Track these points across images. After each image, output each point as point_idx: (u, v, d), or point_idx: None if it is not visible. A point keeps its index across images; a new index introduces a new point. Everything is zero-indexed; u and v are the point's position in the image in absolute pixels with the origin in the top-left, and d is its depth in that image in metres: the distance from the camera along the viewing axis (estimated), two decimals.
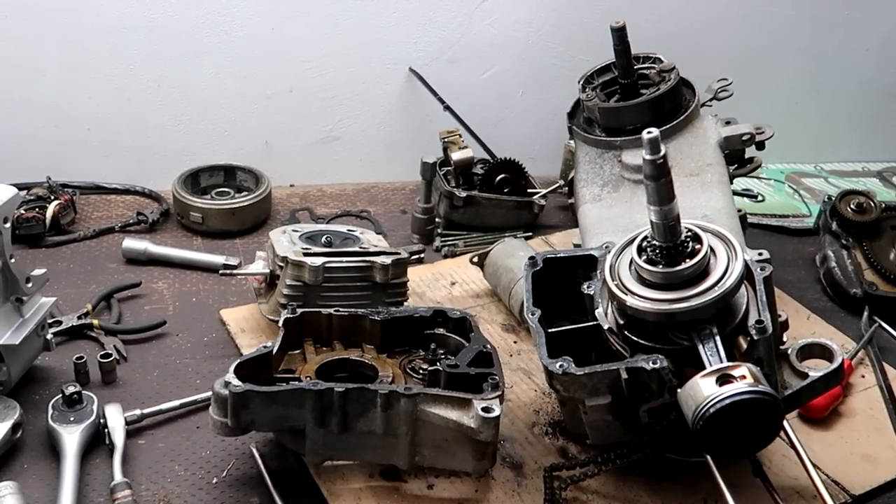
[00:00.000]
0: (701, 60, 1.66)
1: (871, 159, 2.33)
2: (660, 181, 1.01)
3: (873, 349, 1.49)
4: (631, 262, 1.09)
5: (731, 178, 1.53)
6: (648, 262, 1.06)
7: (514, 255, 1.51)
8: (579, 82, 1.58)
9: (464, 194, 1.72)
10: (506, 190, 1.78)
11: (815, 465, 1.21)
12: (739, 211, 1.50)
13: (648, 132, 0.99)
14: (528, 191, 1.81)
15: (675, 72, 1.52)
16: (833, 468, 1.23)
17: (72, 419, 1.16)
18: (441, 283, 1.60)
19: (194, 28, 1.77)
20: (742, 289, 1.09)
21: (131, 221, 1.70)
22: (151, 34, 1.75)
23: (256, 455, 1.16)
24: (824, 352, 1.16)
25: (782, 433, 1.03)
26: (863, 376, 1.44)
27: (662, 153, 1.00)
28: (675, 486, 1.17)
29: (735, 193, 2.00)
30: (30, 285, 1.20)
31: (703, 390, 0.95)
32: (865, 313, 1.58)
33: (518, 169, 1.79)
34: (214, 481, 1.13)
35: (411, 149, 1.78)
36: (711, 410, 0.93)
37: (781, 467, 1.21)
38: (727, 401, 0.93)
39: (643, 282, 1.08)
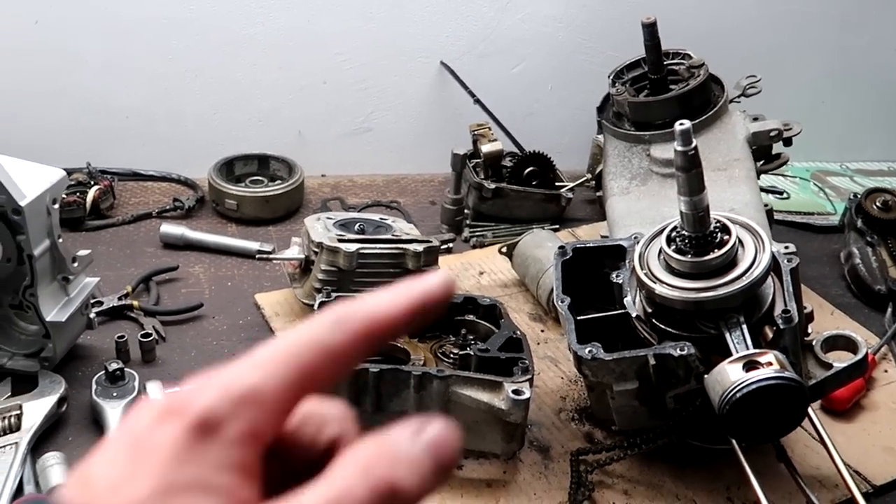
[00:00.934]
0: (729, 57, 1.68)
1: None
2: (691, 172, 1.04)
3: None
4: (660, 251, 1.12)
5: (759, 173, 1.55)
6: (677, 251, 1.09)
7: (543, 245, 1.54)
8: (609, 77, 1.61)
9: (493, 186, 1.75)
10: (534, 183, 1.81)
11: (840, 457, 1.25)
12: (766, 206, 1.52)
13: (681, 123, 1.02)
14: (556, 184, 1.84)
15: (704, 68, 1.54)
16: (855, 459, 1.25)
17: (114, 394, 1.20)
18: (470, 272, 1.63)
19: (231, 20, 1.81)
20: (769, 279, 1.11)
21: (168, 207, 1.74)
22: (190, 26, 1.80)
23: None
24: (848, 343, 1.19)
25: (807, 422, 1.06)
26: (885, 371, 1.46)
27: (694, 144, 1.03)
28: (699, 472, 1.20)
29: (761, 190, 2.03)
30: (76, 265, 1.25)
31: (730, 375, 0.98)
32: (889, 309, 1.60)
33: (546, 162, 1.82)
34: None
35: (441, 141, 1.81)
36: (738, 395, 0.96)
37: (804, 457, 1.24)
38: (753, 386, 0.95)
39: (672, 271, 1.10)
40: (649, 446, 1.13)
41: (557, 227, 1.81)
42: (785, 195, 2.08)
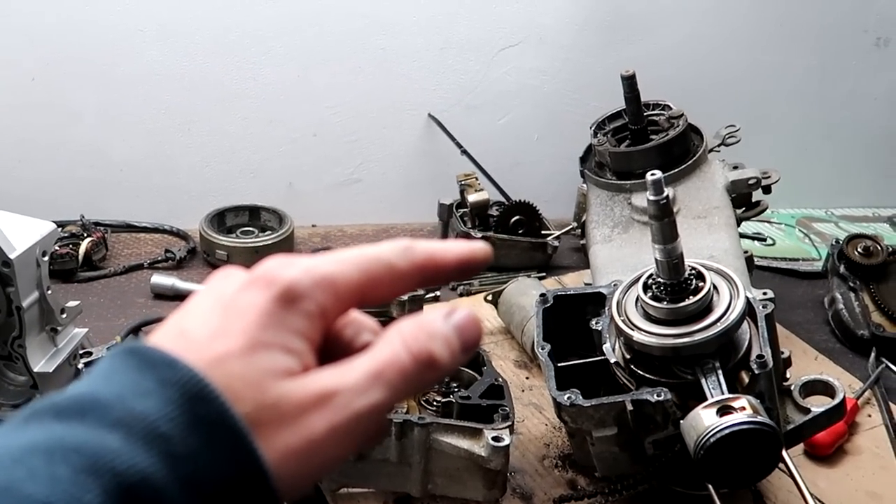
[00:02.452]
0: (712, 108, 1.73)
1: (881, 205, 2.36)
2: (663, 220, 1.07)
3: (880, 389, 1.52)
4: (637, 298, 1.14)
5: (739, 220, 1.58)
6: (654, 298, 1.11)
7: (527, 293, 1.56)
8: (591, 128, 1.64)
9: (479, 235, 1.78)
10: (520, 231, 1.84)
11: (819, 500, 1.25)
12: (746, 252, 1.54)
13: (652, 174, 1.04)
14: (542, 232, 1.87)
15: (683, 118, 1.58)
16: None
17: None
18: None
19: (223, 75, 1.85)
20: (745, 325, 1.13)
21: (159, 258, 1.77)
22: (183, 80, 1.84)
23: None
24: (826, 388, 1.20)
25: (783, 465, 1.07)
26: (869, 415, 1.47)
27: (665, 194, 1.05)
28: None
29: (746, 237, 2.06)
30: (64, 316, 1.27)
31: (703, 421, 0.99)
32: (872, 354, 1.61)
33: (532, 211, 1.85)
34: None
35: (429, 191, 1.84)
36: (712, 440, 0.97)
37: (787, 502, 1.24)
38: (727, 430, 0.97)
39: (649, 318, 1.12)
40: (630, 492, 1.14)
41: (544, 274, 1.83)
42: (770, 241, 2.11)
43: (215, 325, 0.45)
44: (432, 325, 0.49)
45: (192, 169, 1.91)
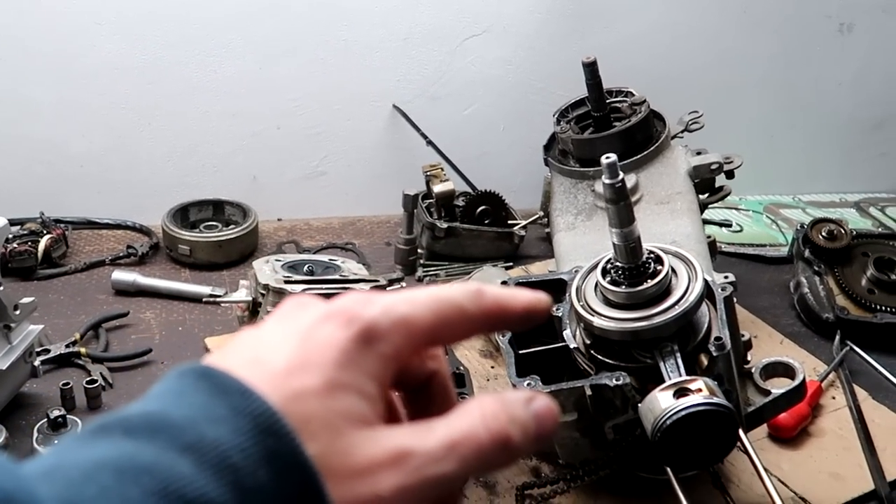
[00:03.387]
0: (678, 97, 1.72)
1: (848, 190, 2.38)
2: (619, 204, 1.06)
3: (844, 371, 1.53)
4: (596, 284, 1.14)
5: (703, 206, 1.58)
6: (612, 283, 1.11)
7: (492, 282, 1.54)
8: (554, 116, 1.64)
9: (445, 225, 1.77)
10: (486, 221, 1.83)
11: (781, 482, 1.26)
12: (709, 237, 1.54)
13: (607, 157, 1.04)
14: (509, 222, 1.86)
15: (645, 104, 1.58)
16: (801, 486, 1.26)
17: (55, 442, 1.19)
18: None
19: (183, 67, 1.83)
20: (704, 308, 1.13)
21: (121, 255, 1.75)
22: (142, 74, 1.82)
23: None
24: (787, 370, 1.20)
25: (741, 446, 1.07)
26: (833, 398, 1.47)
27: (621, 177, 1.05)
28: (644, 503, 1.20)
29: (713, 223, 2.07)
30: (17, 312, 1.24)
31: (660, 403, 0.99)
32: (837, 337, 1.62)
33: (498, 201, 1.84)
34: None
35: (395, 183, 1.83)
36: (668, 422, 0.97)
37: (750, 485, 1.24)
38: (683, 412, 0.96)
39: (608, 302, 1.12)
40: (591, 478, 1.13)
41: (511, 264, 1.83)
42: (738, 228, 2.11)
43: (292, 357, 0.44)
44: (514, 408, 0.47)
45: (154, 163, 1.89)
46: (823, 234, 1.75)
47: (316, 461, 0.41)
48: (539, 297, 0.53)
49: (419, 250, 1.79)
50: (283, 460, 0.40)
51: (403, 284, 1.71)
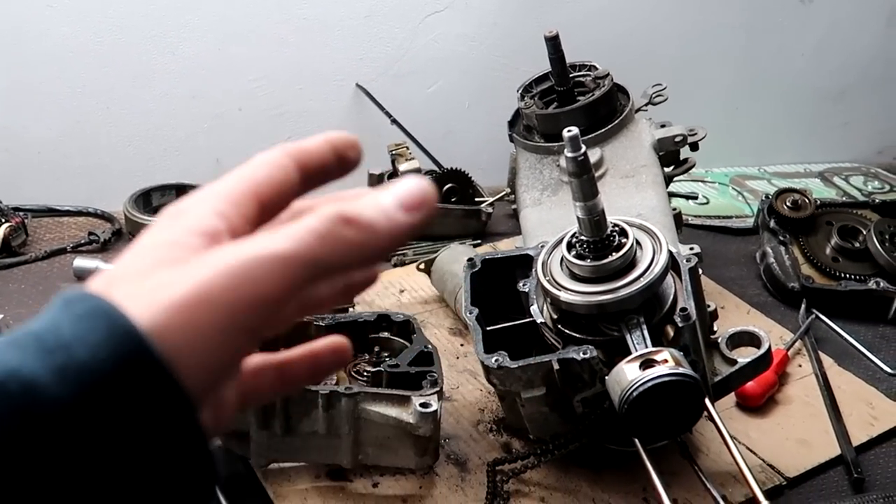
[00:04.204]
0: (641, 70, 1.72)
1: (812, 160, 2.40)
2: (582, 177, 1.06)
3: (810, 339, 1.54)
4: (562, 258, 1.13)
5: (668, 178, 1.58)
6: (577, 256, 1.11)
7: (459, 260, 1.54)
8: (518, 91, 1.63)
9: None
10: (453, 199, 1.82)
11: (749, 449, 1.27)
12: (674, 209, 1.55)
13: (568, 130, 1.03)
14: (476, 200, 1.85)
15: (609, 78, 1.57)
16: (769, 453, 1.27)
17: None
18: (390, 290, 1.63)
19: (141, 50, 1.80)
20: (669, 280, 1.13)
21: (83, 242, 1.72)
22: (99, 57, 1.78)
23: None
24: (753, 339, 1.21)
25: (709, 416, 1.07)
26: (800, 366, 1.49)
27: (583, 150, 1.04)
28: (615, 475, 1.20)
29: (679, 196, 2.07)
30: None
31: (626, 375, 0.99)
32: (803, 306, 1.64)
33: (464, 178, 1.83)
34: None
35: (361, 163, 1.81)
36: (635, 394, 0.97)
37: (719, 454, 1.25)
38: (649, 383, 0.96)
39: (574, 276, 1.12)
40: (562, 451, 1.13)
41: (479, 242, 1.82)
42: (704, 201, 2.12)
43: (127, 256, 0.48)
44: (357, 193, 0.49)
45: (114, 148, 1.86)
46: (788, 204, 1.76)
47: (112, 296, 0.42)
48: (341, 134, 0.55)
49: None
50: (83, 312, 0.41)
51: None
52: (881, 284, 1.63)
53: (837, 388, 1.42)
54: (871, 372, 1.50)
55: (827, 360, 1.50)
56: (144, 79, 1.82)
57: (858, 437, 1.32)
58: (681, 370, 0.97)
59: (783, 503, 1.13)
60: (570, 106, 1.56)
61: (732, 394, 1.32)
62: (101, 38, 1.77)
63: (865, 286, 1.64)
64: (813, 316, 1.61)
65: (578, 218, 1.09)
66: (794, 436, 1.32)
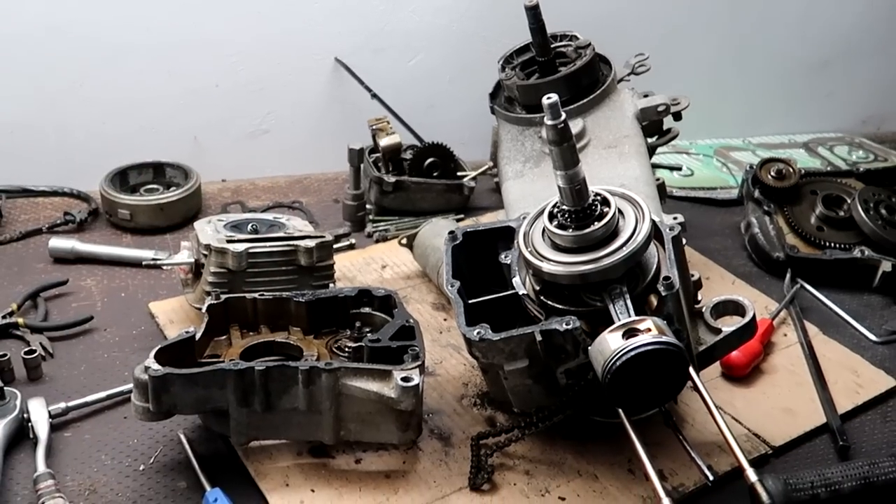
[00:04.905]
0: (623, 40, 1.69)
1: (797, 131, 2.39)
2: (562, 146, 1.04)
3: (795, 308, 1.54)
4: (544, 229, 1.12)
5: (651, 148, 1.57)
6: (559, 226, 1.09)
7: (442, 234, 1.51)
8: (499, 62, 1.61)
9: (393, 179, 1.73)
10: (435, 174, 1.80)
11: (735, 419, 1.26)
12: (658, 179, 1.53)
13: (548, 97, 1.01)
14: (458, 174, 1.84)
15: (590, 48, 1.55)
16: (755, 422, 1.27)
17: None
18: (372, 266, 1.61)
19: (114, 26, 1.76)
20: (652, 249, 1.12)
21: (59, 222, 1.69)
22: (70, 34, 1.74)
23: (184, 440, 1.16)
24: (737, 308, 1.20)
25: (694, 385, 1.06)
26: (785, 335, 1.48)
27: (563, 118, 1.02)
28: (600, 447, 1.19)
29: (664, 167, 2.06)
30: None
31: (610, 345, 0.97)
32: (788, 275, 1.63)
33: (446, 153, 1.81)
34: (142, 468, 1.13)
35: (342, 139, 1.78)
36: (618, 363, 0.96)
37: (704, 424, 1.24)
38: (633, 352, 0.95)
39: (556, 247, 1.10)
40: (546, 424, 1.12)
41: (462, 216, 1.80)
42: (689, 172, 2.11)
43: None
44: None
45: (89, 127, 1.82)
46: (772, 173, 1.75)
47: None
48: None
49: (368, 206, 1.76)
50: None
51: (352, 240, 1.69)
52: (866, 253, 1.63)
53: (823, 357, 1.41)
54: (857, 340, 1.49)
55: (812, 329, 1.49)
56: (118, 55, 1.78)
57: (844, 405, 1.32)
58: (664, 339, 0.96)
59: (769, 472, 1.12)
60: (552, 76, 1.53)
61: (717, 364, 1.32)
62: (72, 15, 1.73)
63: (850, 255, 1.63)
64: (798, 285, 1.60)
65: (560, 187, 1.07)
66: (780, 405, 1.31)
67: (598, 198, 1.09)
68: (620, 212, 1.09)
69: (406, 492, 1.11)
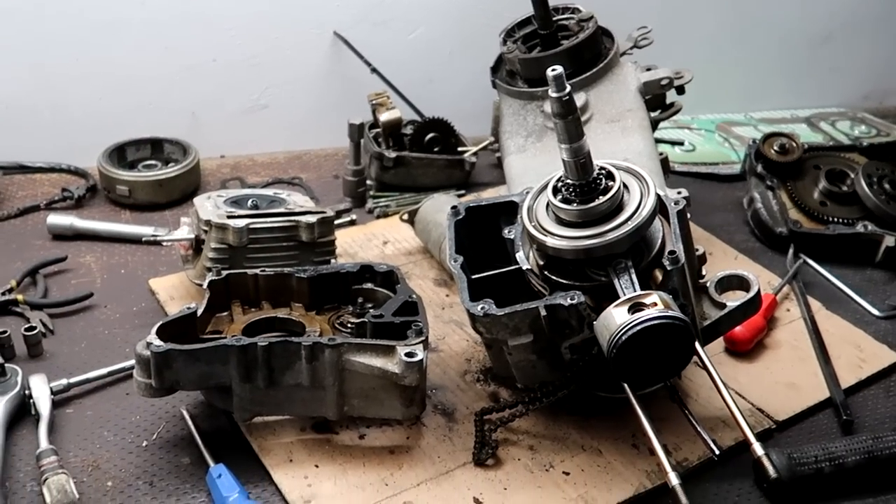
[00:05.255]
0: (626, 14, 1.67)
1: (799, 106, 2.37)
2: (567, 119, 1.02)
3: (798, 283, 1.53)
4: (548, 203, 1.11)
5: (654, 122, 1.55)
6: (564, 201, 1.08)
7: (443, 210, 1.50)
8: (500, 35, 1.59)
9: (393, 155, 1.72)
10: (436, 149, 1.78)
11: (739, 394, 1.26)
12: (661, 154, 1.52)
13: (553, 69, 1.00)
14: (459, 149, 1.82)
15: (593, 21, 1.53)
16: (758, 397, 1.27)
17: None
18: (373, 242, 1.60)
19: (110, 1, 1.73)
20: (657, 223, 1.11)
21: (57, 198, 1.67)
22: (65, 8, 1.72)
23: (186, 416, 1.15)
24: (742, 282, 1.19)
25: (698, 360, 1.06)
26: (788, 310, 1.48)
27: (568, 90, 1.01)
28: (604, 422, 1.19)
29: (666, 142, 2.05)
30: None
31: (615, 319, 0.97)
32: (791, 250, 1.62)
33: (447, 127, 1.80)
34: (144, 444, 1.13)
35: (341, 114, 1.76)
36: (624, 338, 0.95)
37: (709, 399, 1.24)
38: (638, 327, 0.94)
39: (560, 221, 1.09)
40: (550, 399, 1.12)
41: (463, 192, 1.79)
42: (690, 147, 2.09)
43: None
44: None
45: (85, 103, 1.80)
46: (775, 148, 1.74)
47: None
48: None
49: (368, 181, 1.75)
50: None
51: (353, 216, 1.68)
52: (869, 227, 1.62)
53: (826, 332, 1.41)
54: (860, 315, 1.49)
55: (815, 304, 1.49)
56: (114, 30, 1.76)
57: (847, 379, 1.31)
58: (671, 313, 0.95)
59: (772, 446, 1.12)
60: (554, 49, 1.52)
61: (721, 339, 1.31)
62: None
63: (853, 230, 1.62)
64: (801, 260, 1.60)
65: (564, 161, 1.06)
66: (783, 379, 1.31)
67: (603, 171, 1.08)
68: (625, 185, 1.09)
69: (410, 467, 1.11)
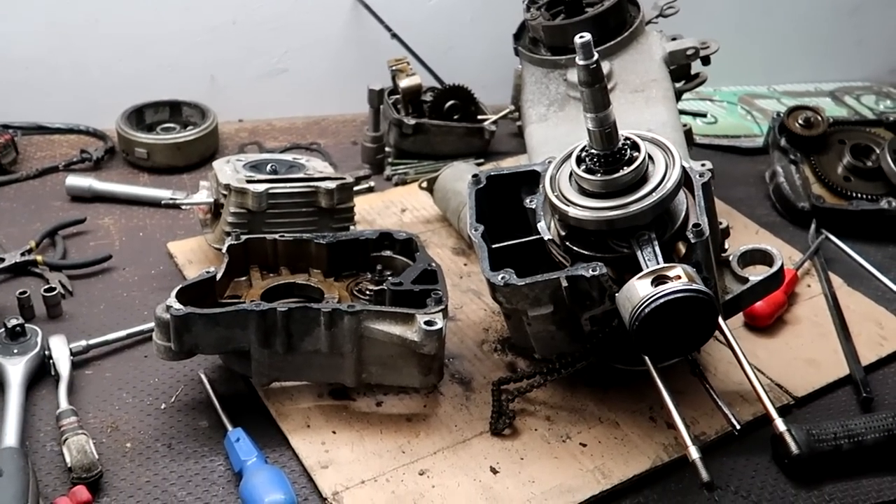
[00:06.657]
0: None
1: (823, 79, 2.34)
2: (594, 87, 1.01)
3: (819, 259, 1.52)
4: (571, 173, 1.09)
5: (679, 93, 1.53)
6: (587, 171, 1.06)
7: (463, 178, 1.50)
8: (524, 2, 1.56)
9: (412, 122, 1.70)
10: (455, 117, 1.77)
11: (758, 370, 1.25)
12: (685, 125, 1.50)
13: (580, 36, 0.98)
14: (479, 117, 1.80)
15: None
16: (777, 373, 1.26)
17: (15, 351, 1.15)
18: (391, 210, 1.59)
19: None
20: (681, 195, 1.09)
21: (75, 160, 1.67)
22: None
23: (205, 380, 1.15)
24: (765, 257, 1.18)
25: (720, 335, 1.05)
26: (809, 286, 1.46)
27: (595, 58, 0.99)
28: (622, 394, 1.19)
29: (688, 114, 2.02)
30: None
31: (638, 291, 0.96)
32: (813, 226, 1.60)
33: (467, 95, 1.78)
34: (163, 407, 1.13)
35: (361, 80, 1.75)
36: (647, 310, 0.94)
37: (727, 374, 1.24)
38: (662, 299, 0.94)
39: (583, 192, 1.08)
40: (569, 370, 1.11)
41: (483, 161, 1.78)
42: (712, 119, 2.07)
43: None
44: None
45: (105, 64, 1.79)
46: (800, 121, 1.71)
47: None
48: None
49: (387, 148, 1.73)
50: None
51: (371, 183, 1.67)
52: (893, 204, 1.60)
53: (846, 308, 1.40)
54: (881, 292, 1.47)
55: (836, 281, 1.47)
56: None
57: (867, 356, 1.30)
58: (695, 286, 0.94)
59: (791, 422, 1.11)
60: (579, 17, 1.49)
61: (740, 314, 1.30)
62: None
63: (877, 206, 1.60)
64: (823, 236, 1.58)
65: (589, 130, 1.04)
66: (803, 356, 1.30)
67: (628, 142, 1.07)
68: (650, 157, 1.07)
69: (427, 435, 1.11)
